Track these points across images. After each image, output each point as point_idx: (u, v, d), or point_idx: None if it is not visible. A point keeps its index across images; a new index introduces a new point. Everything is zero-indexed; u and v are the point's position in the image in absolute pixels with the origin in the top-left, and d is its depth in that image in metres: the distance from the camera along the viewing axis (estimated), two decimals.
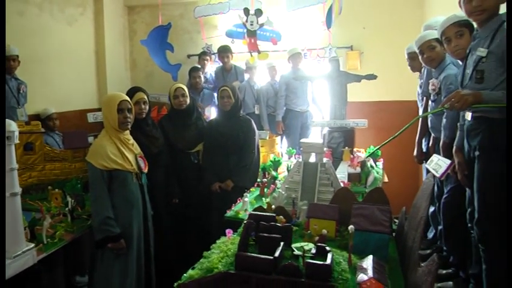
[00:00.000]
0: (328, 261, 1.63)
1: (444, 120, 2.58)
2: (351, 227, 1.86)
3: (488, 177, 2.04)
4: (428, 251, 3.10)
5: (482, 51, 2.00)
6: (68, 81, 5.40)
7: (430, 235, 3.27)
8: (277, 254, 1.66)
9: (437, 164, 2.24)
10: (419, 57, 2.98)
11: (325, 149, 2.93)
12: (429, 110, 2.94)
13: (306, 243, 1.86)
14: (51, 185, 3.37)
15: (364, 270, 1.66)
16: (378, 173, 3.84)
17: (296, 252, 1.79)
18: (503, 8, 2.11)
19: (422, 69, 3.22)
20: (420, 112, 3.41)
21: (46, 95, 4.96)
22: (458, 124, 2.34)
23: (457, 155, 2.29)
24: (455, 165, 2.31)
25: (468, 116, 2.13)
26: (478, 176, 2.08)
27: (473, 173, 2.16)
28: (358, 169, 3.66)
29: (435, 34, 2.68)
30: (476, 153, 2.09)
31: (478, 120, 2.07)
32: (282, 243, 1.76)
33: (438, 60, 2.83)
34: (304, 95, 5.41)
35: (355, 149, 4.32)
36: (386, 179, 4.14)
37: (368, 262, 1.71)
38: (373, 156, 4.21)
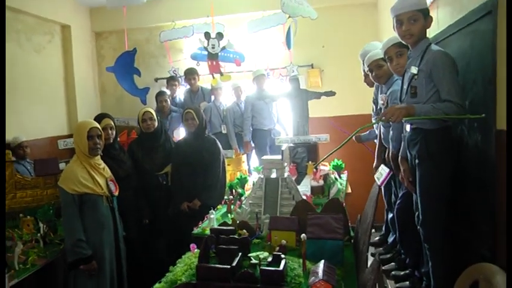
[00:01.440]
0: (281, 267, 1.78)
1: (391, 132, 2.79)
2: (303, 235, 2.03)
3: (426, 182, 2.24)
4: (388, 255, 3.29)
5: (414, 70, 2.23)
6: (37, 108, 5.45)
7: (390, 240, 3.45)
8: (234, 263, 1.81)
9: (380, 173, 2.44)
10: (370, 74, 3.20)
11: (285, 164, 3.09)
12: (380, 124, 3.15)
13: (261, 252, 2.01)
14: (22, 212, 3.42)
15: (316, 274, 1.81)
16: (341, 184, 4.03)
17: (253, 261, 1.94)
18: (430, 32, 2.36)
19: (375, 85, 3.44)
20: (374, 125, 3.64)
21: (16, 123, 5.00)
22: (402, 135, 2.54)
23: (403, 164, 2.50)
24: (402, 173, 2.51)
25: (407, 127, 2.35)
26: (419, 182, 2.28)
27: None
28: (321, 182, 3.85)
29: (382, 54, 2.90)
30: (416, 161, 2.29)
31: (415, 131, 2.29)
32: (240, 254, 1.91)
33: (386, 77, 3.05)
34: (270, 114, 5.57)
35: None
36: (349, 190, 4.33)
37: (319, 266, 1.87)
38: (337, 168, 4.41)
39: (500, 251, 1.98)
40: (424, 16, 2.22)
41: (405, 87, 2.34)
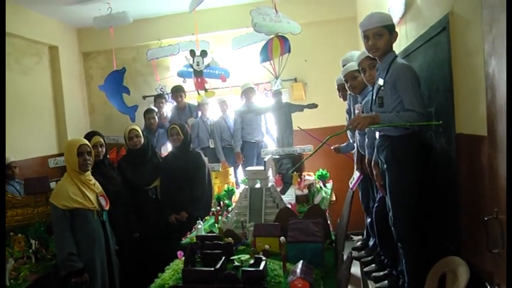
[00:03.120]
0: (261, 267, 1.91)
1: (366, 139, 2.95)
2: (282, 238, 2.17)
3: (394, 185, 2.39)
4: (369, 258, 3.43)
5: (380, 81, 2.40)
6: (27, 129, 5.53)
7: (371, 243, 3.59)
8: (218, 266, 1.94)
9: (353, 177, 2.59)
10: (345, 85, 3.37)
11: (268, 174, 3.23)
12: (356, 132, 3.31)
13: (243, 255, 2.14)
14: (12, 231, 3.49)
15: (294, 273, 1.95)
16: (325, 193, 4.17)
17: (236, 263, 2.07)
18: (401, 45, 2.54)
19: (348, 96, 3.61)
20: (349, 134, 3.82)
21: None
22: (375, 142, 2.70)
23: (375, 168, 2.66)
24: (374, 177, 2.67)
25: (377, 134, 2.51)
26: (388, 185, 2.43)
27: None
28: (306, 191, 3.99)
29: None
30: (384, 166, 2.45)
31: (383, 137, 2.45)
32: (223, 258, 2.04)
33: (360, 87, 3.21)
34: (259, 126, 5.73)
35: (304, 173, 4.64)
36: (334, 198, 4.47)
37: (298, 266, 2.01)
38: (322, 178, 4.56)
39: (464, 244, 2.14)
40: (389, 32, 2.38)
41: (374, 97, 2.50)
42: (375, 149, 2.62)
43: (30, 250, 3.25)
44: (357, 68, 3.05)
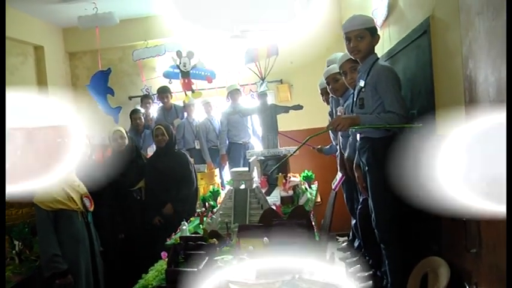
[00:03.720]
0: None
1: (350, 140, 2.98)
2: (265, 239, 2.17)
3: (375, 186, 2.42)
4: (354, 259, 3.46)
5: (361, 83, 2.43)
6: None
7: (356, 244, 3.62)
8: (201, 266, 1.94)
9: (336, 178, 2.62)
10: (327, 87, 3.40)
11: (253, 175, 3.23)
12: (339, 135, 3.35)
13: (226, 256, 2.15)
14: None
15: None
16: (310, 194, 4.19)
17: (219, 264, 2.07)
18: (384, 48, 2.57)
19: (330, 99, 3.64)
20: (331, 136, 3.85)
21: None
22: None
23: (357, 170, 2.69)
24: (356, 179, 2.70)
25: (357, 136, 2.54)
26: (369, 187, 2.46)
27: None
28: (291, 192, 4.00)
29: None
30: (366, 168, 2.47)
31: (364, 139, 2.48)
32: (206, 258, 2.04)
33: (342, 90, 3.24)
34: (245, 128, 5.75)
35: (290, 174, 4.66)
36: (319, 199, 4.50)
37: None
38: (307, 179, 4.59)
39: (446, 245, 2.18)
40: (371, 34, 2.42)
41: (355, 98, 2.53)
42: (357, 151, 2.65)
43: (14, 251, 3.21)
44: (338, 70, 3.08)
